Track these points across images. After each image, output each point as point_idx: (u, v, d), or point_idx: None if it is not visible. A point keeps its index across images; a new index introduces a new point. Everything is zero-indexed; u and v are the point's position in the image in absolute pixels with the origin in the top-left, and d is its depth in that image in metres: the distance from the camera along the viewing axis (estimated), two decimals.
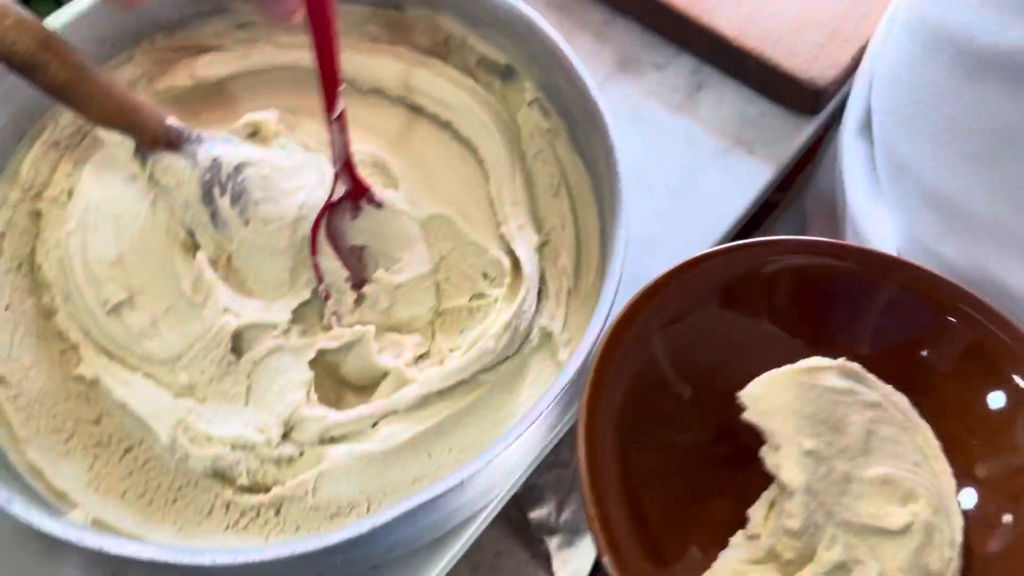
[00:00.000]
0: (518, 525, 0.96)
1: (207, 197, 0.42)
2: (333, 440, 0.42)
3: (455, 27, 0.50)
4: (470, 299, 0.46)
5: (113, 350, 0.44)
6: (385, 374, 0.43)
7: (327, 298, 0.45)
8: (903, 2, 0.42)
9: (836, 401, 0.34)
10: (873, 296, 0.37)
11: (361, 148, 0.47)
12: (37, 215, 0.47)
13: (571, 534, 0.98)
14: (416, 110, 0.50)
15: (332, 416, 0.41)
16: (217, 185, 0.42)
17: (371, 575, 0.43)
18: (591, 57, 0.47)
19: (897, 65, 0.40)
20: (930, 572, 0.32)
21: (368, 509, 0.40)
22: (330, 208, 0.45)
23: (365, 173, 0.46)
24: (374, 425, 0.42)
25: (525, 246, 0.45)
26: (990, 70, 0.32)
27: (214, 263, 0.43)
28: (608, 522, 0.32)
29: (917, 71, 0.37)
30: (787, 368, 0.35)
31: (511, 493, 0.46)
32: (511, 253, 0.46)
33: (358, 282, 0.46)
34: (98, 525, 0.39)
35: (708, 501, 0.36)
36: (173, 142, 0.41)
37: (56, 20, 0.46)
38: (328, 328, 0.44)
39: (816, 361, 0.35)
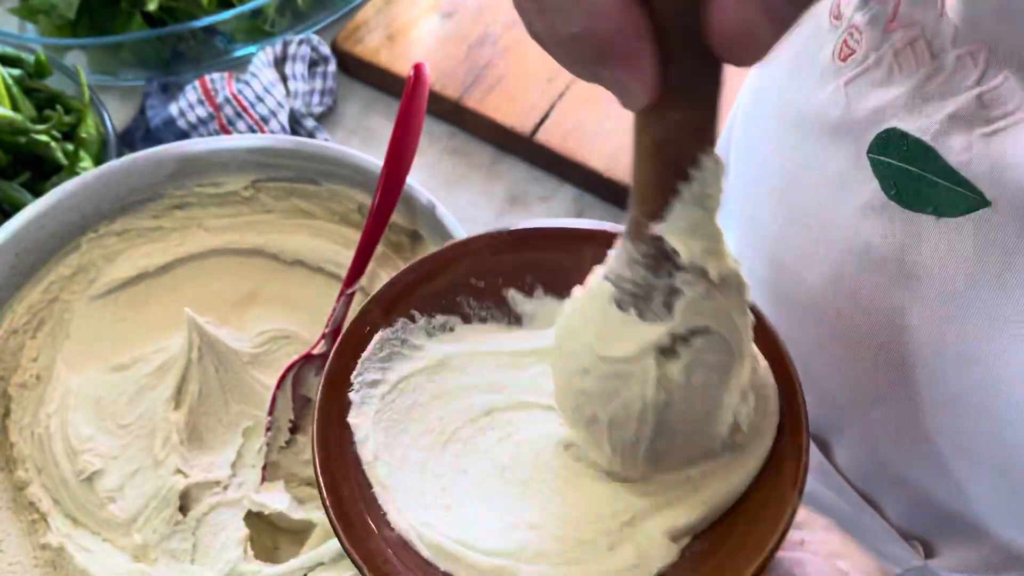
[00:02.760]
0: None
1: None
2: None
3: (366, 198, 0.57)
4: None
5: (79, 516, 0.50)
6: (312, 524, 0.49)
7: (268, 429, 0.51)
8: (749, 77, 0.48)
9: None
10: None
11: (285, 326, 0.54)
12: (3, 398, 0.53)
13: None
14: (334, 277, 0.56)
15: (266, 570, 0.47)
16: None
17: None
18: (484, 194, 0.54)
19: (740, 121, 0.47)
20: None
21: None
22: (308, 358, 0.52)
23: (283, 344, 0.53)
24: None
25: None
26: (795, 121, 0.38)
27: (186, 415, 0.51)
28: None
29: (751, 123, 0.44)
30: None
31: None
32: None
33: (295, 428, 0.52)
34: None
35: None
36: None
37: (4, 230, 0.52)
38: (260, 479, 0.50)
39: None
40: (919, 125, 0.30)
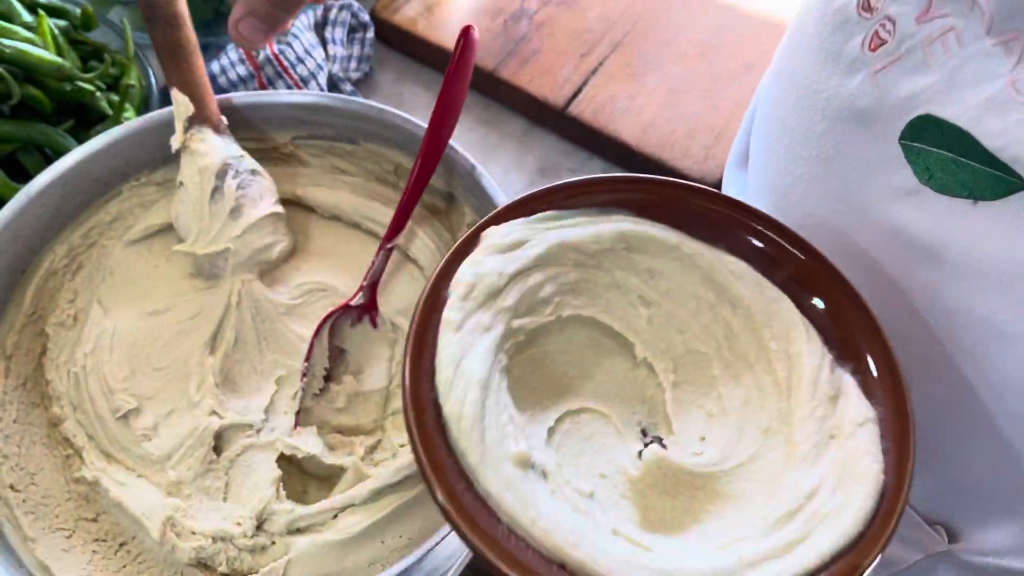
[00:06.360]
0: None
1: (222, 173, 0.53)
2: (300, 531, 0.48)
3: (403, 159, 0.58)
4: None
5: (114, 452, 0.50)
6: (343, 469, 0.50)
7: (304, 375, 0.52)
8: (775, 63, 0.49)
9: None
10: None
11: (323, 279, 0.55)
12: (40, 336, 0.54)
13: None
14: (370, 234, 0.57)
15: (298, 510, 0.48)
16: (232, 170, 0.53)
17: None
18: (515, 164, 0.56)
19: (766, 106, 0.48)
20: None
21: None
22: (345, 309, 0.53)
23: (320, 296, 0.54)
24: (335, 516, 0.49)
25: None
26: (822, 110, 0.39)
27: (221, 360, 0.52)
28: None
29: (777, 109, 0.45)
30: None
31: (459, 571, 0.53)
32: None
33: (329, 377, 0.53)
34: None
35: None
36: (217, 126, 0.54)
37: (52, 171, 0.53)
38: (293, 425, 0.51)
39: None
40: (954, 112, 0.31)
